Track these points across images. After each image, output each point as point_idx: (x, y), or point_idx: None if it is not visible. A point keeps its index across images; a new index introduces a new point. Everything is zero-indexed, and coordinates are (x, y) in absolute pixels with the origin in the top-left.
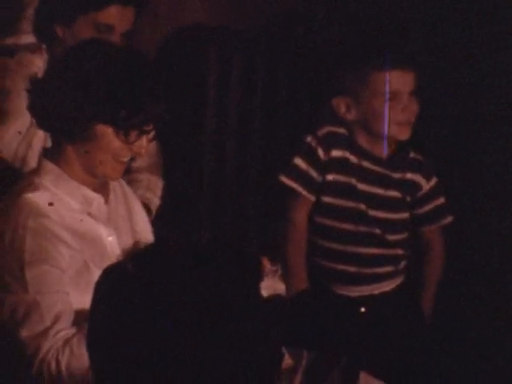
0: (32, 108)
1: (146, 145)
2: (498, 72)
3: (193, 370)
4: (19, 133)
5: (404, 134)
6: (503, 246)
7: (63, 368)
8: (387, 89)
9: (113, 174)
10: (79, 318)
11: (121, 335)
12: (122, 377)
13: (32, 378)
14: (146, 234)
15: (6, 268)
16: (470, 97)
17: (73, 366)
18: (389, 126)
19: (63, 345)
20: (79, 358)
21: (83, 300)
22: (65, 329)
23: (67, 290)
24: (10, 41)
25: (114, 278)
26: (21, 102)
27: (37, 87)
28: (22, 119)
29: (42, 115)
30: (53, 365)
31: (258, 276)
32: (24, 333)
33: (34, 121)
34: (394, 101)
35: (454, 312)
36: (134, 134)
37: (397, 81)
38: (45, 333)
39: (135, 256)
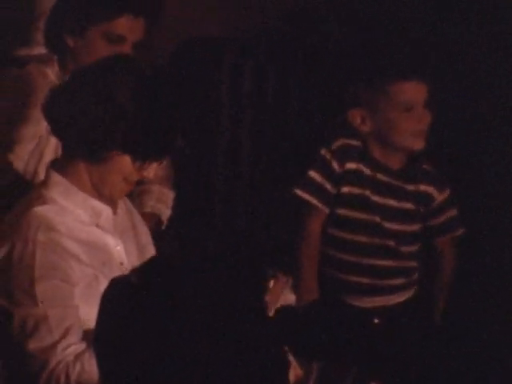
0: (52, 122)
1: (155, 169)
2: (498, 72)
3: (196, 378)
4: (30, 145)
5: (419, 145)
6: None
7: (73, 383)
8: (403, 100)
9: (119, 195)
10: (90, 330)
11: (126, 345)
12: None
13: None
14: (149, 247)
15: (15, 282)
16: (469, 97)
17: (83, 382)
18: (404, 137)
19: (74, 360)
20: (90, 373)
21: (94, 312)
22: (74, 343)
23: (77, 304)
24: (22, 52)
25: (118, 290)
26: (32, 113)
27: (59, 103)
28: (34, 131)
29: (62, 131)
30: (62, 379)
31: (262, 285)
32: (32, 345)
33: (45, 133)
34: (409, 112)
35: (465, 318)
36: (149, 162)
37: (412, 92)
38: (54, 347)
39: (139, 268)
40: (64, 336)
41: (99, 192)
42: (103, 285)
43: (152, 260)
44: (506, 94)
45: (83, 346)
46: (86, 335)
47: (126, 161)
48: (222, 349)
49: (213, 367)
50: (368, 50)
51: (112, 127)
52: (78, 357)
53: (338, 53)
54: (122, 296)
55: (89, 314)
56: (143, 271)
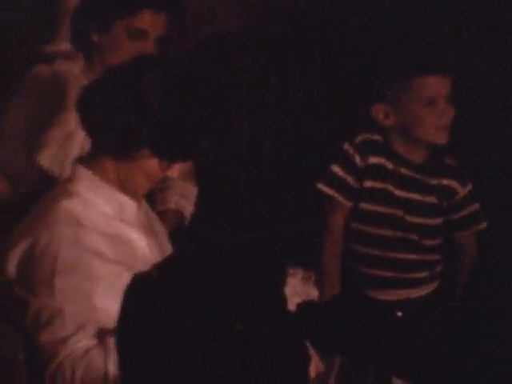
0: (84, 120)
1: (179, 169)
2: (498, 72)
3: (215, 373)
4: (56, 141)
5: (442, 139)
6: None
7: (78, 378)
8: (426, 94)
9: (141, 191)
10: (107, 327)
11: (146, 340)
12: (149, 380)
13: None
14: (166, 245)
15: (36, 273)
16: (469, 97)
17: (88, 378)
18: (427, 131)
19: (82, 355)
20: (96, 370)
21: (116, 308)
22: (86, 339)
23: (96, 302)
24: (49, 48)
25: (139, 286)
26: (60, 112)
27: (92, 101)
28: (62, 131)
29: (93, 129)
30: (68, 373)
31: (281, 279)
32: (44, 337)
33: (71, 129)
34: (432, 106)
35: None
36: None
37: (435, 86)
38: (65, 340)
39: (160, 264)
40: (77, 331)
41: (125, 188)
42: (126, 280)
43: (173, 256)
44: (506, 94)
45: (94, 342)
46: (102, 333)
47: (152, 161)
48: (242, 344)
49: (232, 363)
50: (391, 44)
51: (141, 127)
52: (86, 352)
53: (361, 48)
54: (143, 291)
55: (111, 309)
56: (164, 267)
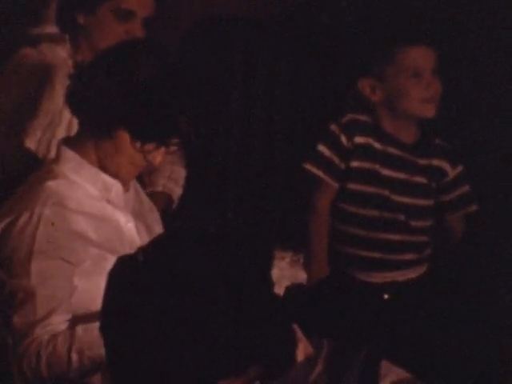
0: (70, 96)
1: (161, 157)
2: (498, 72)
3: (202, 355)
4: (43, 122)
5: (428, 112)
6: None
7: (43, 363)
8: (410, 65)
9: (125, 176)
10: (89, 307)
11: (132, 323)
12: (134, 362)
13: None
14: (157, 227)
15: (14, 252)
16: (470, 97)
17: (53, 363)
18: (413, 104)
19: (48, 340)
20: (59, 358)
21: (98, 291)
22: (55, 324)
23: (74, 284)
24: (35, 31)
25: (125, 268)
26: (44, 92)
27: (81, 77)
28: (46, 109)
29: (78, 107)
30: (33, 357)
31: (268, 262)
32: (16, 319)
33: (57, 112)
34: (417, 77)
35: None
36: (151, 145)
37: (419, 57)
38: (34, 324)
39: (146, 246)
40: (47, 316)
41: (106, 169)
42: (111, 263)
43: (158, 238)
44: (506, 93)
45: (62, 327)
46: (74, 319)
47: (126, 139)
48: (229, 326)
49: (219, 344)
50: (375, 16)
51: (117, 102)
52: (52, 337)
53: (349, 24)
54: (128, 274)
55: (92, 292)
56: (150, 249)
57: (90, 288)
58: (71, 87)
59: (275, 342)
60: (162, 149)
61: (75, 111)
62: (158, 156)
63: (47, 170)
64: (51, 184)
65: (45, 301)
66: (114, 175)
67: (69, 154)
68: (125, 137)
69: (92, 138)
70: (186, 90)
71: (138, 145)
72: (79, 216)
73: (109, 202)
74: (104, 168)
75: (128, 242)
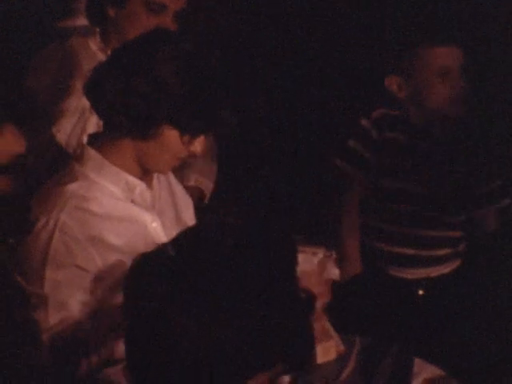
0: (93, 100)
1: (203, 145)
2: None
3: (226, 349)
4: (73, 118)
5: (455, 111)
6: None
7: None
8: (437, 64)
9: (165, 170)
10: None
11: (161, 317)
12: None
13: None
14: (191, 221)
15: (29, 260)
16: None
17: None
18: (439, 103)
19: None
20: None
21: (114, 299)
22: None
23: (86, 291)
24: (67, 23)
25: (154, 262)
26: (75, 87)
27: (103, 77)
28: (76, 104)
29: (107, 110)
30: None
31: (292, 256)
32: (32, 318)
33: (88, 107)
34: (443, 77)
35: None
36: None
37: (446, 57)
38: (43, 332)
39: (176, 239)
40: (58, 325)
41: (144, 168)
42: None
43: (187, 231)
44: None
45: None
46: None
47: (174, 136)
48: (253, 321)
49: (242, 340)
50: (403, 15)
51: (156, 102)
52: None
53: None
54: (158, 268)
55: (108, 300)
56: (179, 242)
57: (105, 296)
58: (95, 91)
59: (300, 338)
60: (202, 137)
61: (104, 115)
62: (199, 145)
63: (69, 169)
64: (71, 187)
65: (56, 310)
66: (155, 171)
67: (92, 153)
68: (171, 134)
69: (126, 138)
70: (225, 78)
71: (187, 139)
72: (100, 219)
73: (133, 201)
74: (143, 165)
75: (152, 241)
